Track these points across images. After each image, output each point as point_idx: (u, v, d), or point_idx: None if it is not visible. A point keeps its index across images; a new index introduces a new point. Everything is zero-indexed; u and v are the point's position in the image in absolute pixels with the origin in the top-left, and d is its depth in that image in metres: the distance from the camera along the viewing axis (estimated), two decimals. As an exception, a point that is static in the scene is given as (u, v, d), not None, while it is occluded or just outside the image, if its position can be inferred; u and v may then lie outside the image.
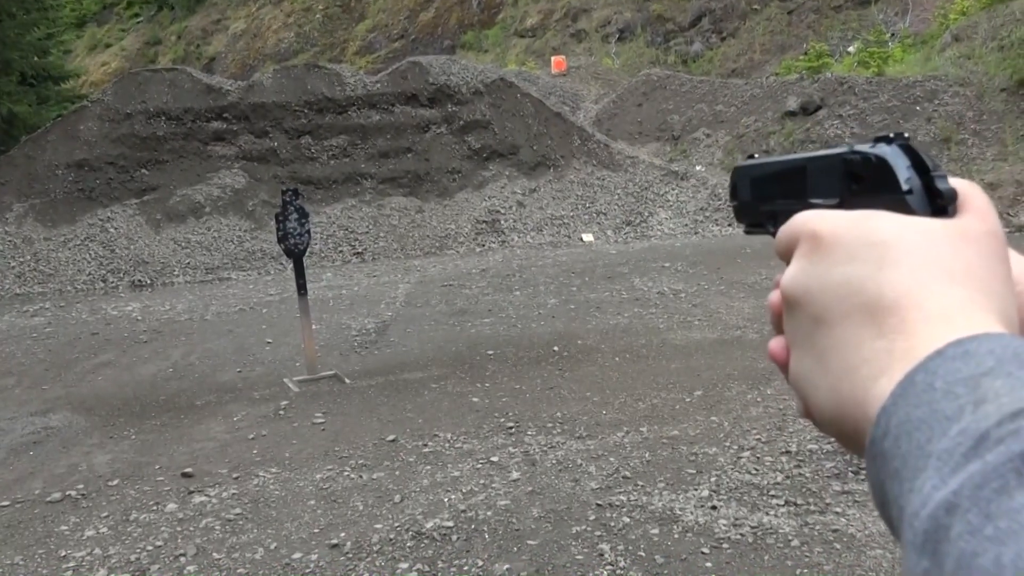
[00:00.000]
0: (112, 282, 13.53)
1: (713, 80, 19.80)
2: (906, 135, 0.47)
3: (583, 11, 27.83)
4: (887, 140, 0.47)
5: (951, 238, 0.42)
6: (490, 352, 7.63)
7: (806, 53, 19.44)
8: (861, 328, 0.41)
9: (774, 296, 0.48)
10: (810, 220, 0.46)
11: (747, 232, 0.62)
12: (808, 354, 0.44)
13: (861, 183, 0.47)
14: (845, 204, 0.47)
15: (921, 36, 19.65)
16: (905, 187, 0.45)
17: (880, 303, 0.41)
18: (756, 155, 0.61)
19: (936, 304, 0.39)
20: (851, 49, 20.61)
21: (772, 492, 4.36)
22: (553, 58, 24.38)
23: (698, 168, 16.63)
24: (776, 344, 0.48)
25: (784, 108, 16.84)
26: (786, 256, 0.47)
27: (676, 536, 3.99)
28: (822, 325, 0.43)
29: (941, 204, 0.44)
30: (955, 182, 0.45)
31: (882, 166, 0.46)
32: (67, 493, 5.09)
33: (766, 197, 0.57)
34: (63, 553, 4.31)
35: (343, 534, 4.27)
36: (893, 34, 20.51)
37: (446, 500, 4.55)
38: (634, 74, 21.86)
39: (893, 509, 0.36)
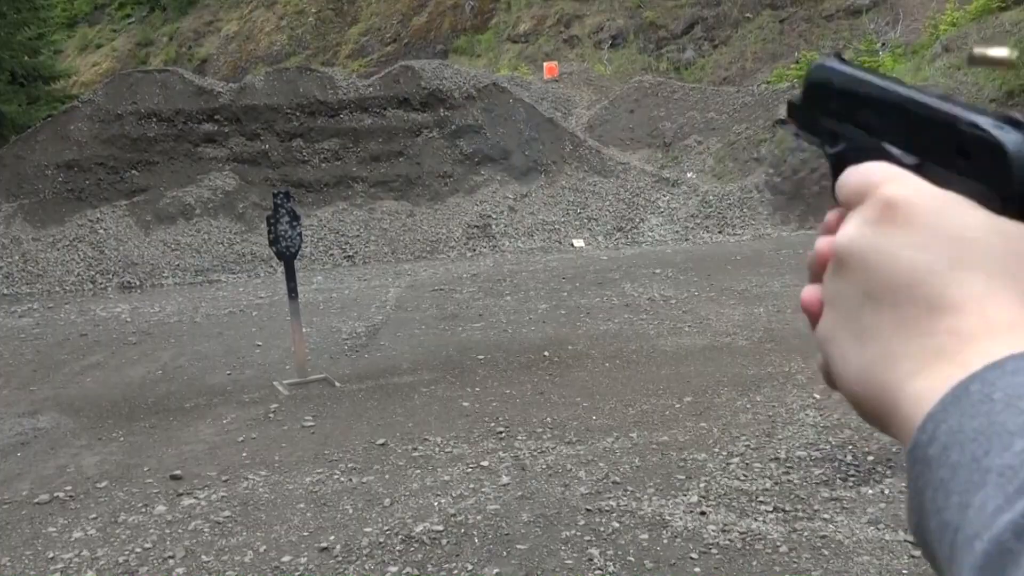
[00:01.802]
0: (101, 283, 13.47)
1: (705, 87, 19.87)
2: None
3: (576, 17, 27.89)
4: (1017, 124, 0.39)
5: None
6: (480, 357, 7.63)
7: (797, 62, 19.55)
8: (915, 320, 0.38)
9: (823, 243, 0.44)
10: (888, 183, 0.41)
11: (796, 135, 0.52)
12: (847, 324, 0.41)
13: (961, 158, 0.40)
14: (925, 168, 0.41)
15: (912, 46, 19.76)
16: (1019, 190, 0.38)
17: (942, 301, 0.38)
18: (846, 58, 0.49)
19: (1002, 316, 0.37)
20: (842, 58, 20.70)
21: (761, 498, 4.38)
22: (545, 64, 24.38)
23: (689, 175, 16.68)
24: (811, 294, 0.44)
25: (775, 116, 16.92)
26: (846, 204, 0.43)
27: (665, 541, 4.00)
28: (872, 302, 0.40)
29: None
30: None
31: (1000, 157, 0.38)
32: (55, 495, 5.06)
33: (837, 113, 0.47)
34: (51, 555, 4.29)
35: (332, 537, 4.26)
36: (884, 44, 20.62)
37: (436, 504, 4.56)
38: (626, 81, 21.91)
39: (931, 519, 0.34)
